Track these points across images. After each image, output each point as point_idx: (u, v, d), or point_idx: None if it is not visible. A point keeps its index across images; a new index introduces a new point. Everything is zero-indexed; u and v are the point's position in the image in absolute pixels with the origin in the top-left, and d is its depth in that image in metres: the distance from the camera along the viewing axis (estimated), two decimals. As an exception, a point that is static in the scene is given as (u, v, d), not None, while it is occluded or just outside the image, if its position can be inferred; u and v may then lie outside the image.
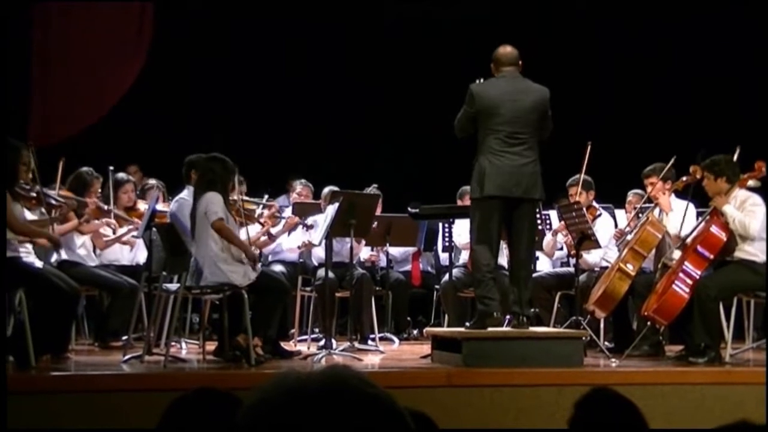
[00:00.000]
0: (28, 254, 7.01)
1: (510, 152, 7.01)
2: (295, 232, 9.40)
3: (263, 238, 9.07)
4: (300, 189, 10.08)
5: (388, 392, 1.43)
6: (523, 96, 7.10)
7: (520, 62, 7.22)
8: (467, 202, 9.70)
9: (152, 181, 9.59)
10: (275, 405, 1.40)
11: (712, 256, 7.49)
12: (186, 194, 7.99)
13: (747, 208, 7.49)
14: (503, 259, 8.30)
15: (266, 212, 8.85)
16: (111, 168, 8.85)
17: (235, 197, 7.92)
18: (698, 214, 8.20)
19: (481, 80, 7.25)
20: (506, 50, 7.23)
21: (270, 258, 9.68)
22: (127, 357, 7.31)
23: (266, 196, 9.37)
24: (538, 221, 8.51)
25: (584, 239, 8.28)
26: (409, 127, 12.20)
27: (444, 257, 10.39)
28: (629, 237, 8.35)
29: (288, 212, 9.49)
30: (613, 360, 7.45)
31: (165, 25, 11.69)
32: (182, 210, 7.77)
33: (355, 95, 12.03)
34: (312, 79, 12.03)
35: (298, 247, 9.39)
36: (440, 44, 12.22)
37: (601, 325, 8.56)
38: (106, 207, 8.51)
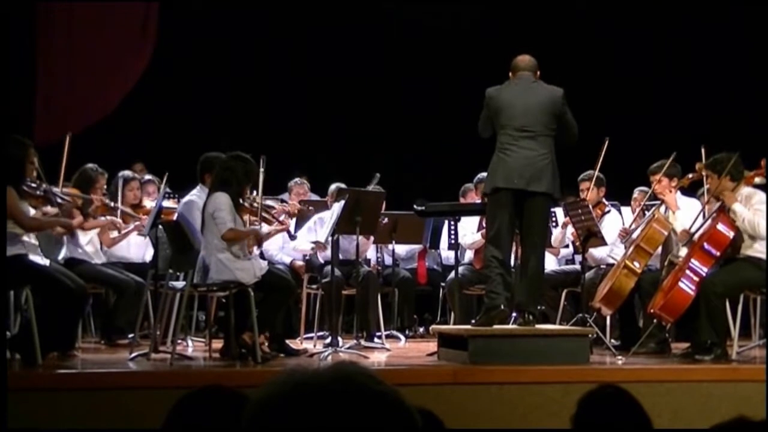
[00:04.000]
0: (34, 252, 7.00)
1: (518, 146, 7.14)
2: (301, 234, 9.35)
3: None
4: (296, 188, 10.03)
5: (395, 389, 1.43)
6: (532, 94, 7.25)
7: (538, 71, 7.37)
8: (470, 199, 9.75)
9: (149, 177, 9.59)
10: (283, 401, 1.40)
11: (718, 254, 7.48)
12: (196, 193, 7.99)
13: (754, 207, 7.47)
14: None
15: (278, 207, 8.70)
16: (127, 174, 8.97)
17: (258, 200, 7.88)
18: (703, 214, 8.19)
19: None
20: (524, 58, 7.42)
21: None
22: (133, 355, 7.30)
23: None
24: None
25: (590, 236, 8.29)
26: (414, 125, 12.20)
27: (447, 256, 10.38)
28: (635, 235, 8.33)
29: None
30: (620, 357, 7.45)
31: (170, 24, 11.68)
32: (191, 209, 7.78)
33: (360, 93, 12.01)
34: (316, 77, 12.03)
35: (306, 251, 9.36)
36: (445, 44, 12.21)
37: (608, 323, 8.57)
38: (112, 204, 8.51)
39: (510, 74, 7.40)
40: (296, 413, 1.38)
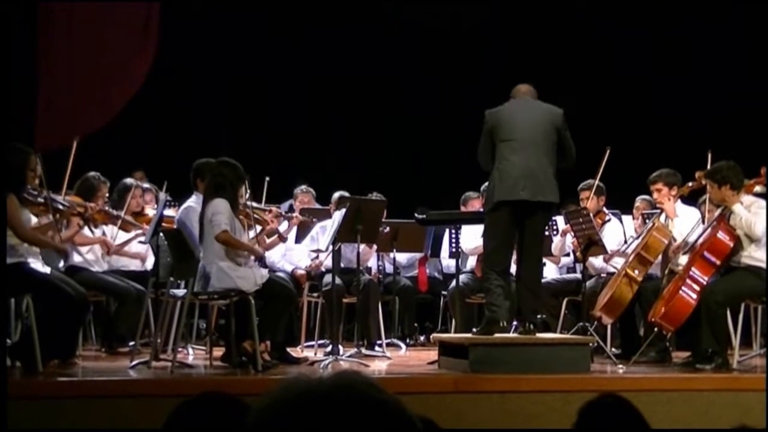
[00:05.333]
0: (35, 260, 7.00)
1: (519, 155, 7.11)
2: (301, 246, 9.36)
3: (270, 240, 8.99)
4: (301, 196, 10.06)
5: (396, 397, 1.43)
6: (534, 108, 7.30)
7: (537, 98, 7.42)
8: (471, 207, 9.75)
9: (147, 185, 9.60)
10: (285, 410, 1.40)
11: (719, 262, 7.48)
12: (194, 200, 7.99)
13: (753, 210, 7.51)
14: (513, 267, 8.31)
15: (268, 215, 8.73)
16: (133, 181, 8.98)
17: (248, 203, 7.90)
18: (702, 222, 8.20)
19: None
20: (524, 86, 7.47)
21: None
22: (134, 363, 7.30)
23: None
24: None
25: (591, 245, 8.29)
26: (414, 132, 12.20)
27: (447, 264, 10.38)
28: (635, 244, 8.33)
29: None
30: (620, 366, 7.44)
31: (170, 25, 11.67)
32: (189, 217, 7.77)
33: (360, 95, 12.00)
34: (317, 84, 12.02)
35: (307, 266, 9.36)
36: (447, 50, 12.21)
37: (608, 332, 8.56)
38: (114, 212, 8.50)
39: (511, 97, 7.44)
40: (298, 422, 1.38)
